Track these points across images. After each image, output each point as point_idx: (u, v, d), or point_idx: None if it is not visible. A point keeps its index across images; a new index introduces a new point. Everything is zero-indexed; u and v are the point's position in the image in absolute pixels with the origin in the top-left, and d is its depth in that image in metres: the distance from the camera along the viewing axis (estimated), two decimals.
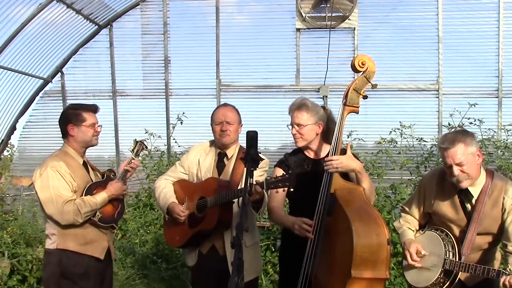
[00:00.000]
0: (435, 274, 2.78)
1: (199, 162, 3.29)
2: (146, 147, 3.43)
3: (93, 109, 3.20)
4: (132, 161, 3.28)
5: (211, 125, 3.30)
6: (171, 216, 3.24)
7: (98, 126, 3.18)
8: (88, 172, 3.21)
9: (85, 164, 3.20)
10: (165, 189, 3.31)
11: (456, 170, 2.66)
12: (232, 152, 3.25)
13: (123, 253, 5.67)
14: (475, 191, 2.76)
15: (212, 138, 3.31)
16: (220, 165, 3.25)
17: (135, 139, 3.37)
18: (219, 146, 3.28)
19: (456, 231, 2.83)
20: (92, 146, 3.20)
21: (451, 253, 2.76)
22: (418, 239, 2.93)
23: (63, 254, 3.04)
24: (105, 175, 3.28)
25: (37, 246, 5.22)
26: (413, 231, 2.99)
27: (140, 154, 3.41)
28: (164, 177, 3.41)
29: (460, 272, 2.72)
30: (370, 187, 2.86)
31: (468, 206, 2.79)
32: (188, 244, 3.27)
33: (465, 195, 2.79)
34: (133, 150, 3.35)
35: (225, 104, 3.33)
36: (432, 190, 2.90)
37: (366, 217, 2.56)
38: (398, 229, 3.05)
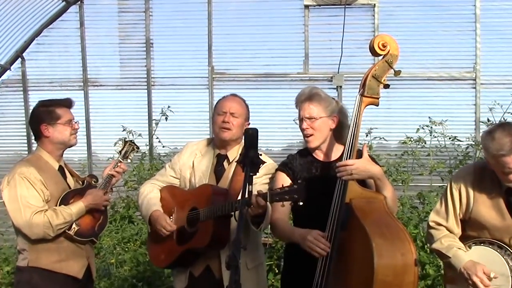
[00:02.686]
0: None
1: (193, 165, 3.28)
2: (138, 148, 3.48)
3: (68, 103, 3.30)
4: (118, 164, 3.35)
5: (212, 118, 3.31)
6: (154, 228, 3.22)
7: (75, 122, 3.29)
8: (65, 178, 3.29)
9: (61, 169, 3.29)
10: (149, 194, 3.29)
11: None
12: (235, 154, 3.23)
13: (97, 275, 5.63)
14: None
15: (208, 137, 3.31)
16: (219, 169, 3.24)
17: (124, 138, 3.46)
18: (218, 145, 3.27)
19: (506, 240, 2.84)
20: (71, 146, 3.30)
21: None
22: None
23: (34, 272, 3.12)
24: (86, 181, 3.36)
25: None
26: (464, 251, 2.92)
27: (130, 157, 3.48)
28: (150, 182, 3.41)
29: None
30: (393, 196, 2.85)
31: None
32: (176, 264, 3.26)
33: None
34: (120, 151, 3.42)
35: (234, 95, 3.35)
36: (468, 192, 2.92)
37: (388, 232, 2.56)
38: (446, 252, 2.93)
